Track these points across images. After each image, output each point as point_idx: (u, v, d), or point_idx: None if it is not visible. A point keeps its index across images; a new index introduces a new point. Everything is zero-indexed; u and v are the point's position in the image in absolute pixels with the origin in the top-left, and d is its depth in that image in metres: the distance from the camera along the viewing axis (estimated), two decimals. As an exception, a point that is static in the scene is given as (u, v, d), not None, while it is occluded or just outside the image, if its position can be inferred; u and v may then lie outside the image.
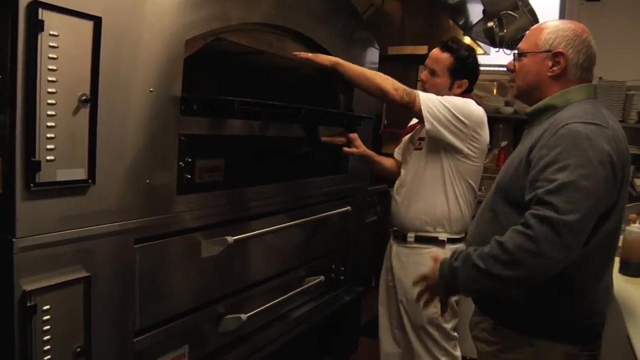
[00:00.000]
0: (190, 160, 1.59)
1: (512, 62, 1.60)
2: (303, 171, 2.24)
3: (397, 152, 2.47)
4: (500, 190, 1.53)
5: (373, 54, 2.69)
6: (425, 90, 2.22)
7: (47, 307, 1.19)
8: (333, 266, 2.60)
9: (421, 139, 2.20)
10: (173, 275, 1.59)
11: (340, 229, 2.60)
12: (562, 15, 4.24)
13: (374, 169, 2.52)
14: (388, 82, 1.99)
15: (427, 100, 2.00)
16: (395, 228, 2.30)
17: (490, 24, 2.98)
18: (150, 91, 1.40)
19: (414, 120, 2.34)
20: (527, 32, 1.63)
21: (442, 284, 1.47)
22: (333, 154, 2.47)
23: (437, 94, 2.11)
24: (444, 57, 2.20)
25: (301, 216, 2.14)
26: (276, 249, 2.10)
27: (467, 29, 3.34)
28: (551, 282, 1.35)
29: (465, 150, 2.08)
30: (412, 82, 4.29)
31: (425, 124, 2.01)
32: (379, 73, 2.05)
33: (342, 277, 2.68)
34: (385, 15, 4.16)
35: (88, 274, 1.28)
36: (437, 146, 2.11)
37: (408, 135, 2.36)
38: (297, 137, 2.13)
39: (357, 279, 2.84)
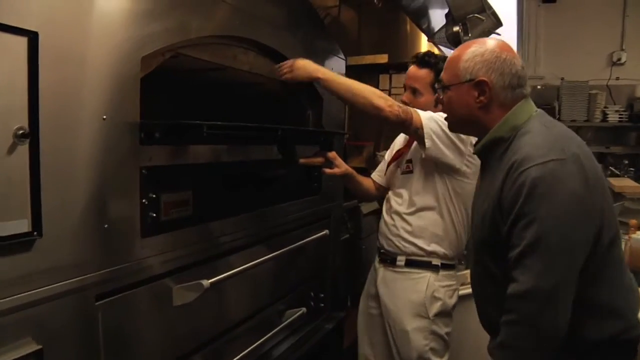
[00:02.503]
0: (154, 196, 1.37)
1: (439, 95, 1.50)
2: (277, 196, 2.04)
3: (376, 175, 2.32)
4: (484, 246, 1.43)
5: (339, 64, 2.54)
6: None
7: (-11, 397, 0.96)
8: (312, 294, 2.42)
9: (409, 161, 2.06)
10: (143, 330, 1.36)
11: (319, 253, 2.42)
12: (520, 18, 4.22)
13: (352, 188, 2.33)
14: (380, 98, 1.80)
15: (426, 117, 1.86)
16: (382, 250, 2.13)
17: (456, 28, 2.91)
18: (104, 119, 1.18)
19: (398, 144, 2.21)
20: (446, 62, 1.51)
21: None
22: (305, 174, 2.29)
23: None
24: (424, 73, 2.06)
25: (279, 245, 1.94)
26: (254, 284, 1.90)
27: (430, 34, 3.26)
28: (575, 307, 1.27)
29: (464, 168, 1.94)
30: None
31: (426, 141, 1.85)
32: (367, 86, 1.86)
33: (322, 305, 2.50)
34: (342, 25, 4.03)
35: (39, 347, 1.04)
36: (431, 166, 1.97)
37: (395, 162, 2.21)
38: (270, 160, 1.94)
39: (336, 304, 2.67)
